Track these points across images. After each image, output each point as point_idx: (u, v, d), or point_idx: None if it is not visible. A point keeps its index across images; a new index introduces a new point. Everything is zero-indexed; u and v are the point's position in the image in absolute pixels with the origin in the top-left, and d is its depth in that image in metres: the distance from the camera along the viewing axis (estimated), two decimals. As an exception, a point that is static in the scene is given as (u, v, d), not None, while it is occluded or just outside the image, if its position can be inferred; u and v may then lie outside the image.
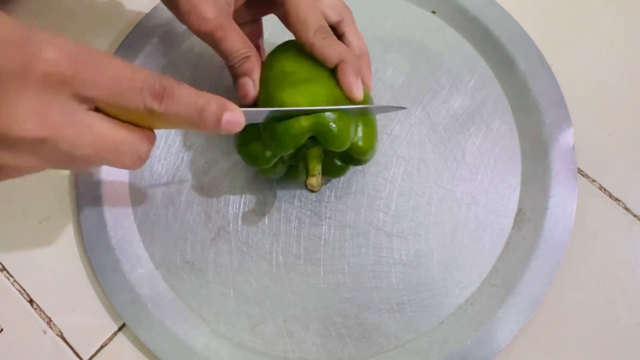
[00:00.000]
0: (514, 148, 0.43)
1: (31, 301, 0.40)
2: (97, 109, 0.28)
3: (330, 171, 0.38)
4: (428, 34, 0.46)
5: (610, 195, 0.43)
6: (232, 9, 0.37)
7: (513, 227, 0.41)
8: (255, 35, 0.41)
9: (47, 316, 0.40)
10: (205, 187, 0.42)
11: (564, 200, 0.40)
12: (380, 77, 0.45)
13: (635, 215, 0.42)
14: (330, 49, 0.36)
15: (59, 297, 0.40)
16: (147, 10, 0.47)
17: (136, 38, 0.46)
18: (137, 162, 0.30)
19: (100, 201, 0.41)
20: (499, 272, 0.40)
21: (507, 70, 0.44)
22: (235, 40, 0.36)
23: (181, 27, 0.46)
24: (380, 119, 0.43)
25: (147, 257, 0.40)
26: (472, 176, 0.42)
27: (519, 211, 0.41)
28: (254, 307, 0.39)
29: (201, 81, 0.45)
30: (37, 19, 0.47)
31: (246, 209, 0.41)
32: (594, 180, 0.43)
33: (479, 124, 0.43)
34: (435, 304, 0.39)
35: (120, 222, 0.41)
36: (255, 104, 0.36)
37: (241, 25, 0.37)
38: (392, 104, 0.44)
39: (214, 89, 0.44)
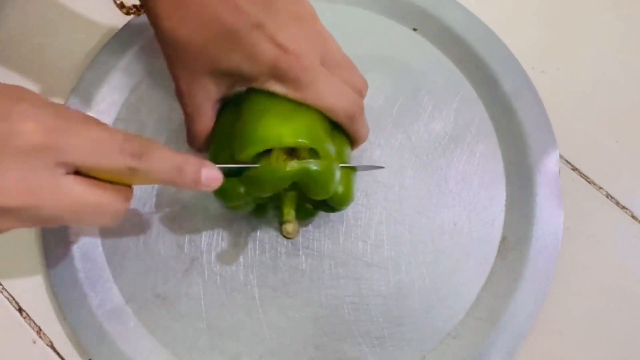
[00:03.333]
0: (498, 173, 0.41)
1: (20, 310, 0.39)
2: (76, 171, 0.30)
3: (299, 215, 0.36)
4: (410, 53, 0.45)
5: (617, 203, 0.42)
6: (219, 103, 0.37)
7: (497, 256, 0.39)
8: None
9: (36, 325, 0.39)
10: (178, 217, 0.40)
11: (549, 227, 0.39)
12: (360, 99, 0.43)
13: None
14: (358, 132, 0.37)
15: (49, 306, 0.39)
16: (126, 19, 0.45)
17: (115, 47, 0.44)
18: (114, 220, 0.32)
19: (67, 232, 0.39)
20: (482, 304, 0.38)
21: (491, 91, 0.43)
22: (199, 131, 0.37)
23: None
24: (360, 142, 0.42)
25: (116, 291, 0.39)
26: (455, 202, 0.41)
27: (503, 239, 0.40)
28: (228, 342, 0.38)
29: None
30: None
31: (220, 239, 0.40)
32: (600, 188, 0.42)
33: (462, 147, 0.42)
34: (417, 337, 0.38)
35: (88, 254, 0.39)
36: (225, 136, 0.35)
37: None
38: (371, 127, 0.42)
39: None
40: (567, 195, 0.41)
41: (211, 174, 0.32)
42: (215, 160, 0.35)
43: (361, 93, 0.37)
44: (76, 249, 0.39)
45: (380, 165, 0.40)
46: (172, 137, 0.42)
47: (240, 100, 0.36)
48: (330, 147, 0.35)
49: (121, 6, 0.41)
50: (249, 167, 0.34)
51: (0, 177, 0.27)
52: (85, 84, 0.43)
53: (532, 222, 0.39)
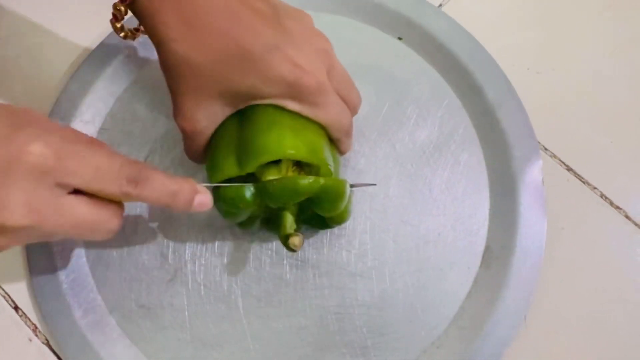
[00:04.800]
0: (482, 182, 0.41)
1: (16, 308, 0.39)
2: (75, 190, 0.31)
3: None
4: (394, 61, 0.45)
5: (612, 203, 0.42)
6: (223, 117, 0.36)
7: (481, 266, 0.39)
8: None
9: (32, 323, 0.39)
10: (162, 226, 0.40)
11: (533, 237, 0.39)
12: (345, 108, 0.43)
13: (636, 224, 0.41)
14: (345, 145, 0.38)
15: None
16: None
17: (100, 56, 0.44)
18: (108, 235, 0.33)
19: (50, 242, 0.39)
20: (466, 313, 0.38)
21: (475, 100, 0.43)
22: (200, 147, 0.37)
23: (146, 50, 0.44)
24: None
25: (100, 301, 0.39)
26: (439, 212, 0.41)
27: (487, 248, 0.40)
28: (211, 352, 0.38)
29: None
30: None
31: (204, 249, 0.40)
32: (595, 188, 0.42)
33: (447, 156, 0.42)
34: (401, 347, 0.38)
35: (72, 264, 0.39)
36: (228, 146, 0.35)
37: None
38: (355, 137, 0.42)
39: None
40: (561, 195, 0.42)
41: (203, 200, 0.34)
42: (216, 169, 0.35)
43: (356, 109, 0.38)
44: (60, 260, 0.39)
45: (372, 182, 0.41)
46: (157, 146, 0.42)
47: (245, 111, 0.35)
48: (331, 163, 0.35)
49: (120, 29, 0.40)
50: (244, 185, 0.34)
51: (6, 198, 0.29)
52: (69, 94, 0.43)
53: (515, 232, 0.39)
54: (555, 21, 0.48)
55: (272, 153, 0.33)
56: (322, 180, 0.34)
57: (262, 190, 0.34)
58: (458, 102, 0.43)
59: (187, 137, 0.36)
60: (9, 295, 0.39)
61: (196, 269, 0.39)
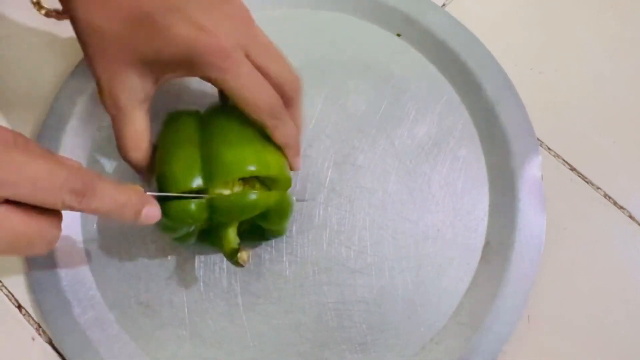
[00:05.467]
0: (481, 178, 0.41)
1: (19, 307, 0.39)
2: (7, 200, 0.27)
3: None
4: (393, 58, 0.45)
5: (615, 203, 0.42)
6: (148, 91, 0.34)
7: (480, 261, 0.39)
8: None
9: (36, 322, 0.39)
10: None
11: (532, 233, 0.39)
12: (343, 105, 0.43)
13: (639, 224, 0.41)
14: (279, 132, 0.35)
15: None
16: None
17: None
18: (46, 248, 0.30)
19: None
20: (465, 309, 0.38)
21: (474, 96, 0.43)
22: (129, 138, 0.35)
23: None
24: (343, 148, 0.42)
25: (99, 299, 0.39)
26: (438, 208, 0.41)
27: (486, 244, 0.40)
28: (211, 349, 0.38)
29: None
30: None
31: (203, 246, 0.39)
32: (598, 188, 0.42)
33: (446, 152, 0.42)
34: (400, 343, 0.38)
35: (71, 262, 0.39)
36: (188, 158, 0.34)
37: None
38: (354, 133, 0.42)
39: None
40: (564, 195, 0.42)
41: (151, 213, 0.32)
42: (175, 180, 0.33)
43: (284, 87, 0.35)
44: (59, 257, 0.39)
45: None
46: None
47: (205, 120, 0.35)
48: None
49: (38, 5, 0.39)
50: (199, 196, 0.33)
51: None
52: (67, 92, 0.43)
53: (514, 227, 0.39)
54: (557, 22, 0.48)
55: (242, 170, 0.33)
56: (275, 195, 0.34)
57: (215, 205, 0.33)
58: (457, 98, 0.43)
59: (113, 120, 0.34)
60: (12, 295, 0.39)
61: (195, 265, 0.39)
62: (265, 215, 0.34)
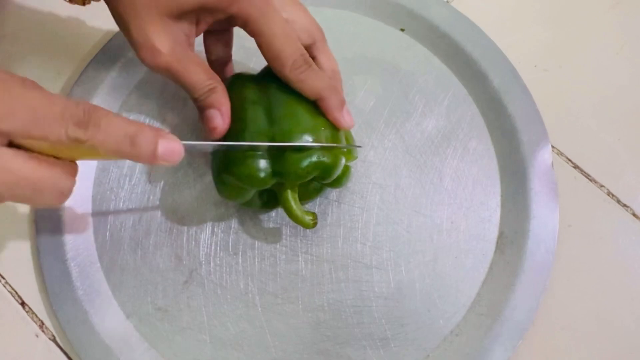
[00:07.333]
0: (492, 168, 0.42)
1: (23, 304, 0.39)
2: (14, 144, 0.26)
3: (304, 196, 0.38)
4: (398, 53, 0.45)
5: (619, 201, 0.42)
6: (192, 38, 0.35)
7: (495, 251, 0.40)
8: (224, 46, 0.39)
9: (39, 319, 0.38)
10: (175, 228, 0.40)
11: (546, 221, 0.39)
12: (351, 101, 0.43)
13: None
14: (307, 84, 0.34)
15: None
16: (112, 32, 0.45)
17: (103, 60, 0.43)
18: (58, 198, 0.28)
19: (63, 249, 0.39)
20: (483, 300, 0.38)
21: (480, 87, 0.43)
22: (196, 72, 0.33)
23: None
24: (353, 145, 0.42)
25: (116, 307, 0.38)
26: (451, 200, 0.41)
27: (501, 234, 0.40)
28: (232, 352, 0.38)
29: (171, 104, 0.43)
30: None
31: (218, 249, 0.39)
32: (602, 186, 0.42)
33: (455, 144, 0.42)
34: (420, 337, 0.38)
35: (86, 270, 0.39)
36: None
37: (210, 33, 0.36)
38: (363, 129, 0.42)
39: (182, 116, 0.42)
40: (568, 193, 0.42)
41: (170, 146, 0.29)
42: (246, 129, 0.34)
43: (311, 32, 0.35)
44: (74, 266, 0.39)
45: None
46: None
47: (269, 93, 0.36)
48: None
49: None
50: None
51: None
52: (81, 84, 0.42)
53: (528, 216, 0.39)
54: (562, 18, 0.48)
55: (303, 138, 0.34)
56: (339, 155, 0.35)
57: (284, 165, 0.34)
58: (464, 91, 0.44)
59: (178, 75, 0.33)
60: (15, 292, 0.39)
61: (211, 269, 0.39)
62: (325, 173, 0.35)
